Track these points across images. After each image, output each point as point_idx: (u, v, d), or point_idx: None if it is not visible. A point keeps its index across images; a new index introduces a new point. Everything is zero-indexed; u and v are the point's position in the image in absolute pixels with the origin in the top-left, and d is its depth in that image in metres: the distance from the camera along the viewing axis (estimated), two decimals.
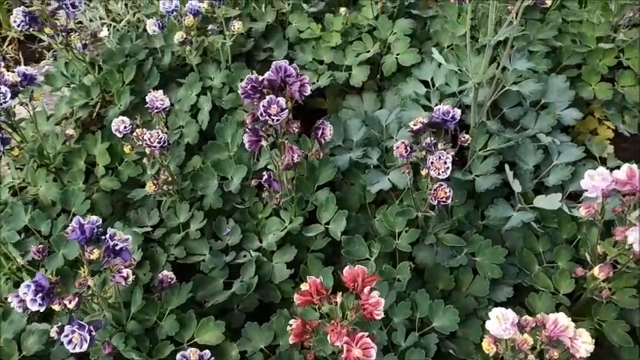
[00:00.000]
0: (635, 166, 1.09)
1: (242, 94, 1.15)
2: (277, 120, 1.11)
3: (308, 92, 1.16)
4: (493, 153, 1.39)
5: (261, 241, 1.41)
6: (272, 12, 1.84)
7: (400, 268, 1.32)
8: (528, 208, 1.37)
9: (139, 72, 1.72)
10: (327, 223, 1.38)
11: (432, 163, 1.12)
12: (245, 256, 1.39)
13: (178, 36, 1.55)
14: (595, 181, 1.07)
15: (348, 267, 0.92)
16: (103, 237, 1.04)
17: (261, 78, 1.18)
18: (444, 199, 1.15)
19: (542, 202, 1.31)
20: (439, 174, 1.11)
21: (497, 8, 1.57)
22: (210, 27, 1.62)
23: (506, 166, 1.38)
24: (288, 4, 1.83)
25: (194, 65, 1.68)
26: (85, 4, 2.11)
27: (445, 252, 1.34)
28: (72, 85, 1.72)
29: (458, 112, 1.17)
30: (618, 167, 1.56)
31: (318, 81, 1.72)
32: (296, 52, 1.78)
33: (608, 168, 1.56)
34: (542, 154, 1.43)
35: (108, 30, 1.91)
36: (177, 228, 1.45)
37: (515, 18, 1.16)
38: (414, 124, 1.15)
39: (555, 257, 1.35)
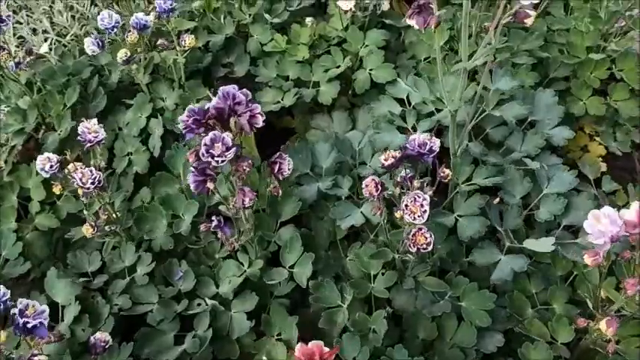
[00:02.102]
0: None
1: (183, 128, 0.98)
2: (222, 161, 0.94)
3: (260, 124, 0.99)
4: (478, 189, 1.23)
5: (217, 287, 1.24)
6: (232, 23, 1.67)
7: (375, 316, 1.15)
8: (518, 246, 1.21)
9: (83, 93, 1.54)
10: (292, 267, 1.22)
11: (406, 206, 0.95)
12: (199, 304, 1.22)
13: (122, 54, 1.38)
14: (602, 224, 0.92)
15: (300, 345, 0.75)
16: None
17: (207, 105, 1.02)
18: (424, 246, 0.99)
19: (533, 244, 1.16)
20: (415, 218, 0.95)
21: (478, 18, 1.42)
22: (160, 42, 1.45)
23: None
24: (249, 15, 1.66)
25: (143, 85, 1.50)
26: (28, 16, 1.92)
27: (426, 297, 1.18)
28: (6, 109, 1.53)
29: (436, 143, 1.01)
30: (615, 192, 1.47)
31: (283, 99, 1.56)
32: (258, 67, 1.61)
33: (603, 191, 1.46)
34: (530, 183, 1.28)
35: (49, 45, 1.72)
36: (123, 272, 1.27)
37: (494, 37, 1.00)
38: (385, 159, 0.99)
39: (550, 299, 1.20)
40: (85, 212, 1.23)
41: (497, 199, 1.32)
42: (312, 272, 1.20)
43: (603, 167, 1.70)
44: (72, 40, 1.86)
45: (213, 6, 1.70)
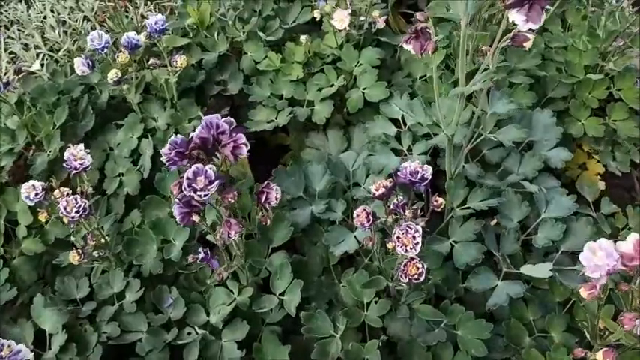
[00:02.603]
0: None
1: (166, 161, 0.96)
2: (205, 196, 0.91)
3: (244, 154, 0.97)
4: (473, 214, 1.21)
5: (208, 314, 1.21)
6: (225, 41, 1.65)
7: (369, 346, 1.12)
8: (515, 271, 1.18)
9: (73, 111, 1.52)
10: (282, 294, 1.19)
11: (398, 237, 0.93)
12: (189, 333, 1.19)
13: (112, 75, 1.35)
14: (598, 258, 0.89)
15: None
16: None
17: (191, 136, 0.99)
18: (416, 277, 0.96)
19: (530, 270, 1.13)
20: (407, 250, 0.92)
21: (474, 38, 1.40)
22: (151, 61, 1.43)
23: None
24: (243, 32, 1.64)
25: (135, 104, 1.48)
26: (19, 30, 1.90)
27: (421, 325, 1.15)
28: None
29: (428, 171, 0.98)
30: (614, 214, 1.44)
31: (276, 118, 1.53)
32: (252, 85, 1.58)
33: (602, 214, 1.43)
34: (528, 207, 1.25)
35: (41, 61, 1.70)
36: (111, 299, 1.24)
37: (491, 62, 0.98)
38: (377, 189, 0.96)
39: (548, 327, 1.17)
40: (72, 238, 1.20)
41: (495, 221, 1.29)
42: (305, 299, 1.18)
43: (601, 185, 1.67)
44: (64, 55, 1.84)
45: (207, 23, 1.68)
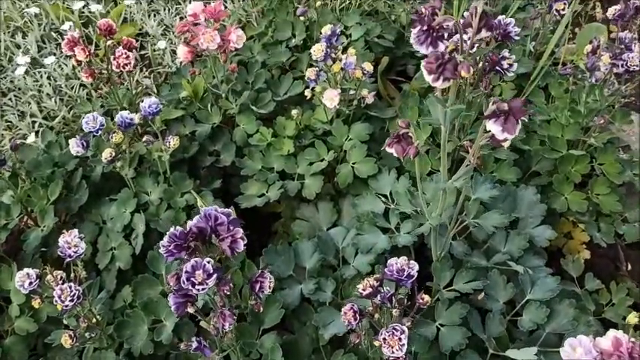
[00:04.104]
0: (620, 334, 0.94)
1: (165, 253, 0.98)
2: (202, 289, 0.94)
3: (241, 249, 1.00)
4: (460, 298, 1.23)
5: None
6: (218, 113, 1.69)
7: None
8: (501, 354, 1.20)
9: (68, 183, 1.54)
10: None
11: (384, 339, 0.95)
12: None
13: (106, 154, 1.38)
14: (578, 354, 0.92)
15: None
16: None
17: (189, 225, 1.02)
18: None
19: (515, 354, 1.15)
20: (393, 352, 0.95)
21: (460, 118, 1.44)
22: (145, 138, 1.46)
23: None
24: (236, 105, 1.68)
25: (128, 179, 1.51)
26: (16, 97, 1.93)
27: None
28: None
29: (415, 268, 1.01)
30: (598, 290, 1.47)
31: (268, 192, 1.57)
32: (244, 159, 1.61)
33: (585, 290, 1.46)
34: (513, 288, 1.28)
35: (36, 131, 1.73)
36: None
37: (472, 159, 1.01)
38: (364, 289, 0.99)
39: None
40: (65, 322, 1.21)
41: (482, 295, 1.31)
42: None
43: (587, 254, 1.71)
44: (59, 122, 1.87)
45: (201, 95, 1.72)
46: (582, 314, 1.30)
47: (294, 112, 1.62)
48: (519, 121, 0.89)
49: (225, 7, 2.22)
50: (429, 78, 0.85)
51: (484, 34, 0.88)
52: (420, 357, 1.21)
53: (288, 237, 1.62)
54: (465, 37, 0.88)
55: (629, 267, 1.69)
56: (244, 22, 2.17)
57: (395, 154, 0.98)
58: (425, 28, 0.86)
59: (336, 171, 1.56)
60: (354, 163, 1.56)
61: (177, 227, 1.00)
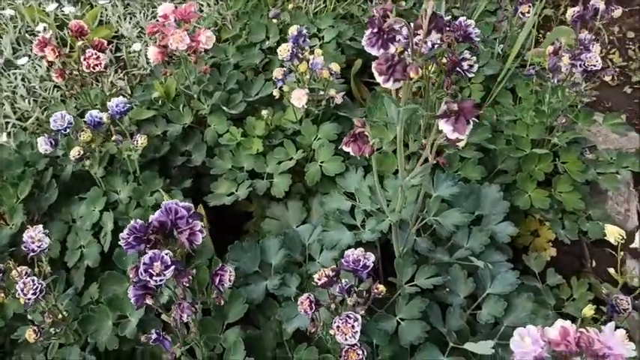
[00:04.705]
0: (568, 324, 0.96)
1: (124, 245, 1.00)
2: (160, 281, 0.96)
3: (199, 241, 1.02)
4: (420, 292, 1.25)
5: None
6: (190, 113, 1.71)
7: None
8: (461, 346, 1.23)
9: (39, 182, 1.55)
10: None
11: (338, 327, 0.97)
12: None
13: (74, 152, 1.40)
14: (525, 344, 0.94)
15: None
16: None
17: (150, 219, 1.04)
18: None
19: (473, 347, 1.17)
20: (346, 339, 0.97)
21: (424, 118, 1.47)
22: (114, 138, 1.48)
23: None
24: (207, 105, 1.70)
25: (97, 178, 1.52)
26: None
27: None
28: None
29: (371, 258, 1.04)
30: (559, 285, 1.50)
31: (237, 191, 1.58)
32: (214, 159, 1.63)
33: (547, 285, 1.49)
34: (474, 283, 1.30)
35: (9, 132, 1.74)
36: None
37: (430, 155, 1.04)
38: (319, 279, 1.01)
39: None
40: (29, 317, 1.22)
41: (447, 289, 1.34)
42: None
43: (553, 252, 1.74)
44: (33, 124, 1.88)
45: (172, 96, 1.74)
46: (542, 308, 1.32)
47: (264, 112, 1.65)
48: (470, 121, 0.92)
49: (201, 11, 2.25)
50: (379, 79, 0.88)
51: (435, 35, 0.90)
52: (380, 350, 1.23)
53: (259, 236, 1.64)
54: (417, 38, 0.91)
55: (594, 264, 1.72)
56: (220, 25, 2.19)
57: (352, 153, 1.01)
58: (375, 30, 0.89)
59: (304, 170, 1.59)
60: (322, 162, 1.58)
61: (138, 220, 1.02)
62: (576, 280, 1.48)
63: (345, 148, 1.00)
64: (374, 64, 0.88)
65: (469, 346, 1.21)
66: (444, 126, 0.90)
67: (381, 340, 1.21)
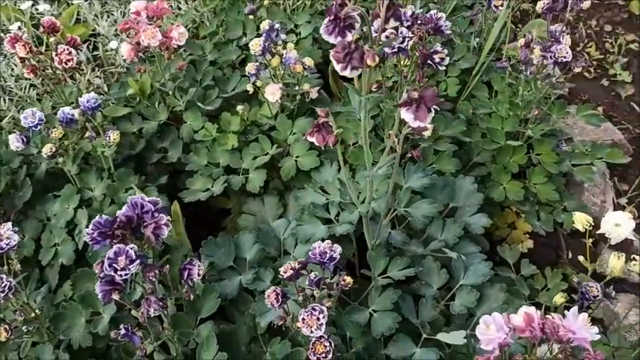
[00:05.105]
0: (533, 310, 0.97)
1: (89, 241, 1.00)
2: (125, 275, 0.96)
3: (165, 235, 1.01)
4: (394, 285, 1.26)
5: None
6: (166, 110, 1.70)
7: None
8: (434, 337, 1.23)
9: (12, 183, 1.55)
10: None
11: (303, 319, 0.97)
12: None
13: (47, 149, 1.39)
14: (490, 331, 0.95)
15: None
16: None
17: (118, 214, 1.04)
18: (323, 355, 1.00)
19: (446, 337, 1.18)
20: (312, 331, 0.97)
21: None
22: (87, 134, 1.47)
23: None
24: (183, 102, 1.70)
25: (72, 175, 1.52)
26: None
27: None
28: None
29: (337, 250, 1.04)
30: (533, 276, 1.51)
31: (212, 187, 1.58)
32: (189, 155, 1.63)
33: (521, 276, 1.50)
34: (447, 274, 1.31)
35: None
36: None
37: (397, 145, 1.05)
38: (285, 272, 1.01)
39: None
40: (0, 315, 1.22)
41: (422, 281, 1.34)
42: None
43: (530, 244, 1.75)
44: (9, 122, 1.87)
45: (148, 93, 1.74)
46: (515, 298, 1.33)
47: (239, 107, 1.64)
48: (431, 109, 0.93)
49: (179, 8, 2.24)
50: (337, 67, 0.88)
51: (392, 23, 0.91)
52: (354, 342, 1.24)
53: (237, 232, 1.64)
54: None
55: (570, 255, 1.74)
56: (198, 22, 2.19)
57: (316, 143, 1.01)
58: (332, 18, 0.89)
59: (279, 165, 1.59)
60: (297, 157, 1.58)
61: (103, 215, 1.02)
62: (550, 270, 1.49)
63: (310, 139, 1.01)
64: (332, 53, 0.88)
65: (441, 336, 1.21)
66: (406, 114, 0.91)
67: (354, 332, 1.22)
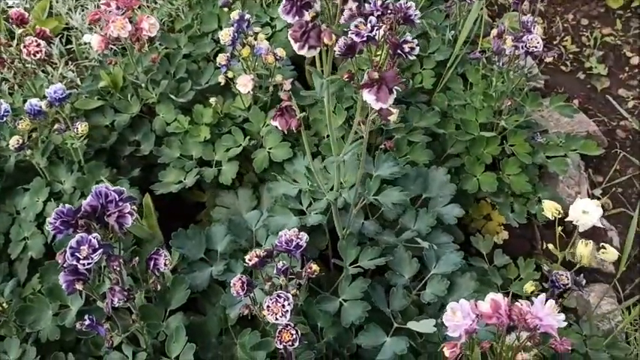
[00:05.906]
0: (500, 297, 0.96)
1: (52, 230, 0.98)
2: (88, 264, 0.94)
3: (129, 223, 1.00)
4: (362, 273, 1.25)
5: None
6: (138, 102, 1.69)
7: None
8: (405, 327, 1.23)
9: None
10: (178, 357, 1.20)
11: (267, 307, 0.96)
12: None
13: (14, 142, 1.37)
14: (456, 318, 0.94)
15: None
16: None
17: (82, 204, 1.02)
18: (290, 343, 0.99)
19: (416, 326, 1.18)
20: (277, 318, 0.96)
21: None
22: (56, 126, 1.45)
23: None
24: (156, 94, 1.68)
25: (41, 168, 1.49)
26: None
27: None
28: None
29: (304, 238, 1.03)
30: (506, 266, 1.51)
31: (185, 179, 1.57)
32: (162, 147, 1.62)
33: (494, 266, 1.50)
34: (418, 263, 1.31)
35: None
36: None
37: (364, 132, 1.04)
38: (250, 259, 1.01)
39: None
40: None
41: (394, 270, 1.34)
42: None
43: (505, 235, 1.76)
44: None
45: (120, 85, 1.72)
46: (487, 287, 1.33)
47: (212, 100, 1.63)
48: (392, 90, 0.92)
49: (155, 2, 2.22)
50: (295, 46, 0.88)
51: (351, 3, 0.90)
52: (325, 332, 1.23)
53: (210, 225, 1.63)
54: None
55: (545, 246, 1.74)
56: (174, 15, 2.17)
57: (279, 127, 1.00)
58: None
59: (252, 156, 1.58)
60: (270, 149, 1.57)
61: (66, 204, 1.01)
62: (523, 260, 1.49)
63: (273, 123, 1.00)
64: (289, 32, 0.88)
65: (412, 325, 1.21)
66: (367, 96, 0.90)
67: (324, 321, 1.21)
